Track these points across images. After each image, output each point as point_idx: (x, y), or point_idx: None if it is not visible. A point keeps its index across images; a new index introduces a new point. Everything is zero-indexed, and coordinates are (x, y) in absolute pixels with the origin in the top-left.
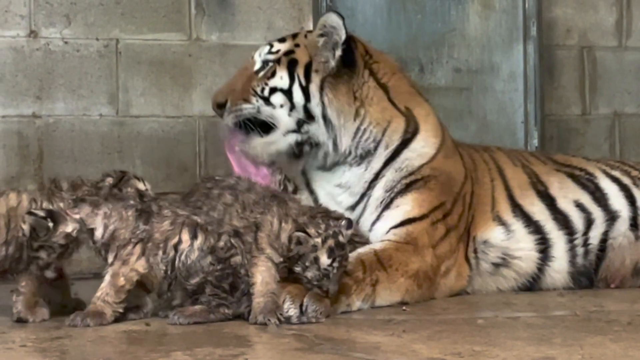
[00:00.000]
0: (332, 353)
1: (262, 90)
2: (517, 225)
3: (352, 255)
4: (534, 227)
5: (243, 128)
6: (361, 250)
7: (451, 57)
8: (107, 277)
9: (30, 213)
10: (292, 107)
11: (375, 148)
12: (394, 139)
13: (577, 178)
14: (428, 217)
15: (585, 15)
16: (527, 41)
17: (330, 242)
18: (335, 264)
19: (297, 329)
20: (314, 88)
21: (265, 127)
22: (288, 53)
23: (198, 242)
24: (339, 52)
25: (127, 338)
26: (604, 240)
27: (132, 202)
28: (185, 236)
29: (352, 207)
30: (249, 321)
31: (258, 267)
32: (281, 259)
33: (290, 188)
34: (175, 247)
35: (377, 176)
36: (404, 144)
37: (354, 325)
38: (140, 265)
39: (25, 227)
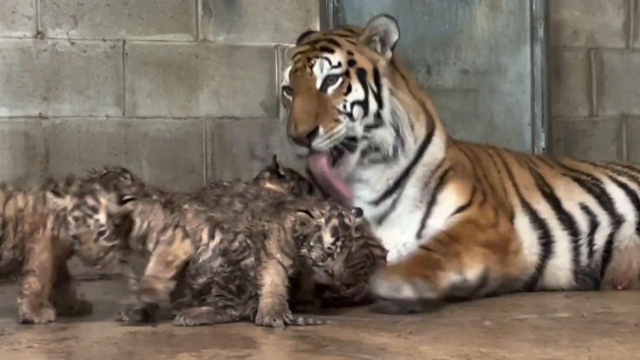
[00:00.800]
0: (338, 354)
1: (344, 107)
2: (524, 220)
3: (428, 239)
4: (539, 223)
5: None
6: (430, 233)
7: (458, 59)
8: (152, 258)
9: (126, 200)
10: (365, 115)
11: (403, 143)
12: (421, 132)
13: (583, 182)
14: (474, 202)
15: (592, 17)
16: (534, 43)
17: (334, 221)
18: (339, 243)
19: (304, 330)
20: (386, 94)
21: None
22: (352, 63)
23: (213, 243)
24: (389, 54)
25: (133, 339)
26: (610, 242)
27: (155, 197)
28: (205, 235)
29: (375, 203)
30: (255, 322)
31: (268, 270)
32: (291, 262)
33: (305, 190)
34: (197, 242)
35: (407, 172)
36: (428, 137)
37: (361, 326)
38: (187, 245)
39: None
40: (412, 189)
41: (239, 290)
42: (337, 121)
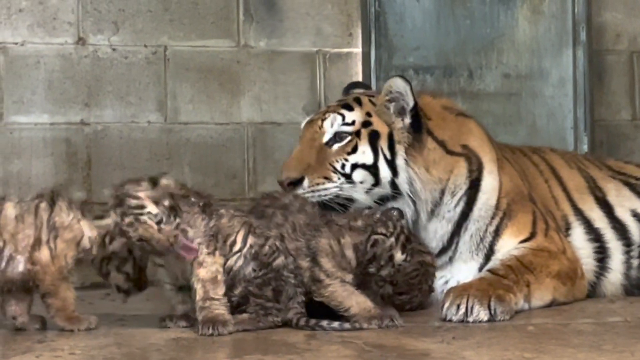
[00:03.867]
0: None
1: (343, 166)
2: (579, 230)
3: (497, 263)
4: (594, 234)
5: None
6: (502, 257)
7: (500, 63)
8: (200, 275)
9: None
10: (376, 183)
11: (440, 198)
12: (460, 185)
13: (633, 187)
14: (537, 232)
15: (635, 20)
16: (576, 46)
17: (402, 238)
18: (409, 258)
19: (347, 335)
20: (401, 162)
21: (339, 205)
22: (366, 124)
23: (245, 249)
24: (408, 120)
25: (176, 345)
26: None
27: (193, 199)
28: (239, 239)
29: None
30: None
31: (340, 294)
32: (351, 276)
33: None
34: (231, 246)
35: (459, 228)
36: (475, 184)
37: (404, 332)
38: (219, 257)
39: None
40: (466, 245)
41: (275, 293)
42: (327, 178)
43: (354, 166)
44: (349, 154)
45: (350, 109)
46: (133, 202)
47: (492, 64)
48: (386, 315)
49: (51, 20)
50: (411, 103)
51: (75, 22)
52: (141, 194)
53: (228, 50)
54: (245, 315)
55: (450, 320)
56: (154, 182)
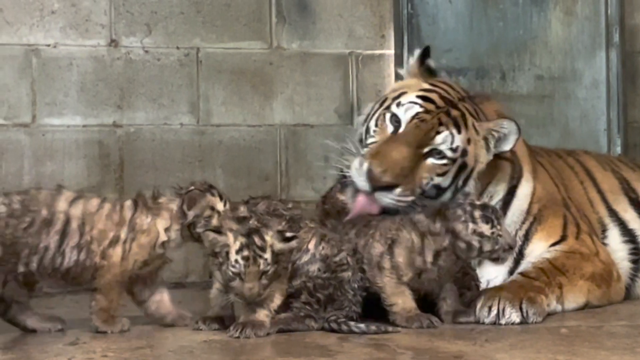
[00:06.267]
0: None
1: (427, 184)
2: (615, 232)
3: (528, 265)
4: (629, 235)
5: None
6: (534, 260)
7: (533, 65)
8: (279, 288)
9: (289, 237)
10: (433, 198)
11: None
12: (497, 189)
13: None
14: (567, 235)
15: None
16: (609, 48)
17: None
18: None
19: (380, 338)
20: (467, 190)
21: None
22: (464, 153)
23: (314, 248)
24: (491, 157)
25: (208, 348)
26: None
27: (282, 210)
28: (311, 245)
29: None
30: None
31: (392, 290)
32: (411, 275)
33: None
34: (304, 252)
35: None
36: (511, 191)
37: (437, 334)
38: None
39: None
40: None
41: (328, 299)
42: (413, 193)
43: (434, 187)
44: (438, 175)
45: (459, 130)
46: (258, 241)
47: (525, 66)
48: (425, 317)
49: (84, 22)
50: (507, 148)
51: (107, 24)
52: (267, 239)
53: (260, 52)
54: (281, 315)
55: (482, 323)
56: (283, 235)
